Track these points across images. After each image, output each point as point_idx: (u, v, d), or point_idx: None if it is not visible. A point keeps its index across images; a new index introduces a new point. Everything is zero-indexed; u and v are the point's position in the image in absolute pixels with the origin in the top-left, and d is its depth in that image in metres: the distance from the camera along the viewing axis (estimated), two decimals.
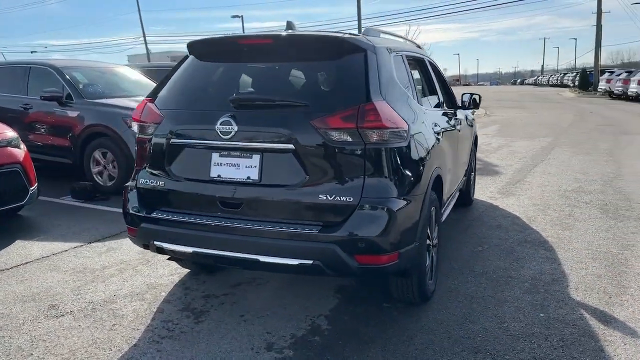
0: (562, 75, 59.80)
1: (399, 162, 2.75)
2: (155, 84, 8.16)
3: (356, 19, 33.82)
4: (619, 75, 30.31)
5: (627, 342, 2.84)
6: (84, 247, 4.65)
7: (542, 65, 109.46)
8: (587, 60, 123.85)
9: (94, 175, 6.84)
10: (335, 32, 3.14)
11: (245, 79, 3.27)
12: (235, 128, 2.77)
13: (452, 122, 4.32)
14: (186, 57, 3.28)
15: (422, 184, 2.94)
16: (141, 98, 7.30)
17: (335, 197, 2.65)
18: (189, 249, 2.91)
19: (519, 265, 4.03)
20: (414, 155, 2.89)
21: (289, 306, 3.35)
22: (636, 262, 4.04)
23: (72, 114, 6.91)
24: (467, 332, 2.99)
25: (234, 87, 3.15)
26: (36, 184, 5.41)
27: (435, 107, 4.15)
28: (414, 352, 2.80)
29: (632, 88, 26.72)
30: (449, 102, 4.76)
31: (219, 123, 2.80)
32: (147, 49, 54.33)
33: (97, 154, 6.77)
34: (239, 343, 2.91)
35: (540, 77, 79.44)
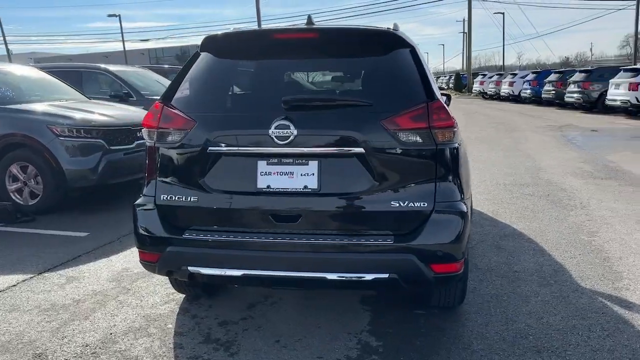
0: (436, 78, 64.40)
1: (459, 162, 2.63)
2: (70, 87, 7.39)
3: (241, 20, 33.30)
4: (491, 77, 33.39)
5: None
6: (35, 280, 3.91)
7: None
8: (452, 64, 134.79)
9: (11, 194, 5.84)
10: (365, 26, 2.94)
11: (290, 77, 2.93)
12: (295, 132, 2.45)
13: None
14: (197, 55, 2.85)
15: (470, 185, 2.85)
16: (60, 103, 6.47)
17: (408, 204, 2.46)
18: (237, 273, 2.53)
19: (516, 260, 4.13)
20: (464, 155, 2.80)
21: (323, 325, 3.08)
22: (610, 247, 4.35)
23: None
24: (516, 332, 2.96)
25: (278, 87, 2.80)
26: None
27: None
28: (480, 358, 2.70)
29: (504, 89, 29.65)
30: None
31: (273, 127, 2.46)
32: (7, 49, 48.93)
33: (15, 169, 5.80)
34: None
35: None
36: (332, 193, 2.50)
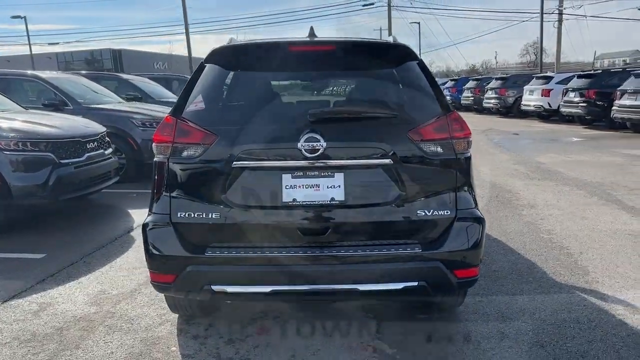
0: None
1: (472, 171, 2.76)
2: (3, 97, 6.80)
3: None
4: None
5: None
6: (2, 309, 3.56)
7: None
8: None
9: None
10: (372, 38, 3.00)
11: (308, 88, 2.90)
12: (324, 144, 2.44)
13: None
14: (203, 67, 2.75)
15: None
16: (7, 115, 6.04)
17: (433, 212, 2.53)
18: (266, 289, 2.47)
19: (491, 259, 4.35)
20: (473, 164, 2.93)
21: (334, 336, 3.07)
22: (569, 244, 4.71)
23: None
24: (516, 329, 3.13)
25: (299, 99, 2.77)
26: None
27: None
28: (493, 357, 2.83)
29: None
30: None
31: (302, 140, 2.43)
32: None
33: None
34: None
35: None
36: (358, 204, 2.52)
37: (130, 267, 4.31)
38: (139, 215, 5.62)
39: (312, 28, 3.05)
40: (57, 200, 5.49)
